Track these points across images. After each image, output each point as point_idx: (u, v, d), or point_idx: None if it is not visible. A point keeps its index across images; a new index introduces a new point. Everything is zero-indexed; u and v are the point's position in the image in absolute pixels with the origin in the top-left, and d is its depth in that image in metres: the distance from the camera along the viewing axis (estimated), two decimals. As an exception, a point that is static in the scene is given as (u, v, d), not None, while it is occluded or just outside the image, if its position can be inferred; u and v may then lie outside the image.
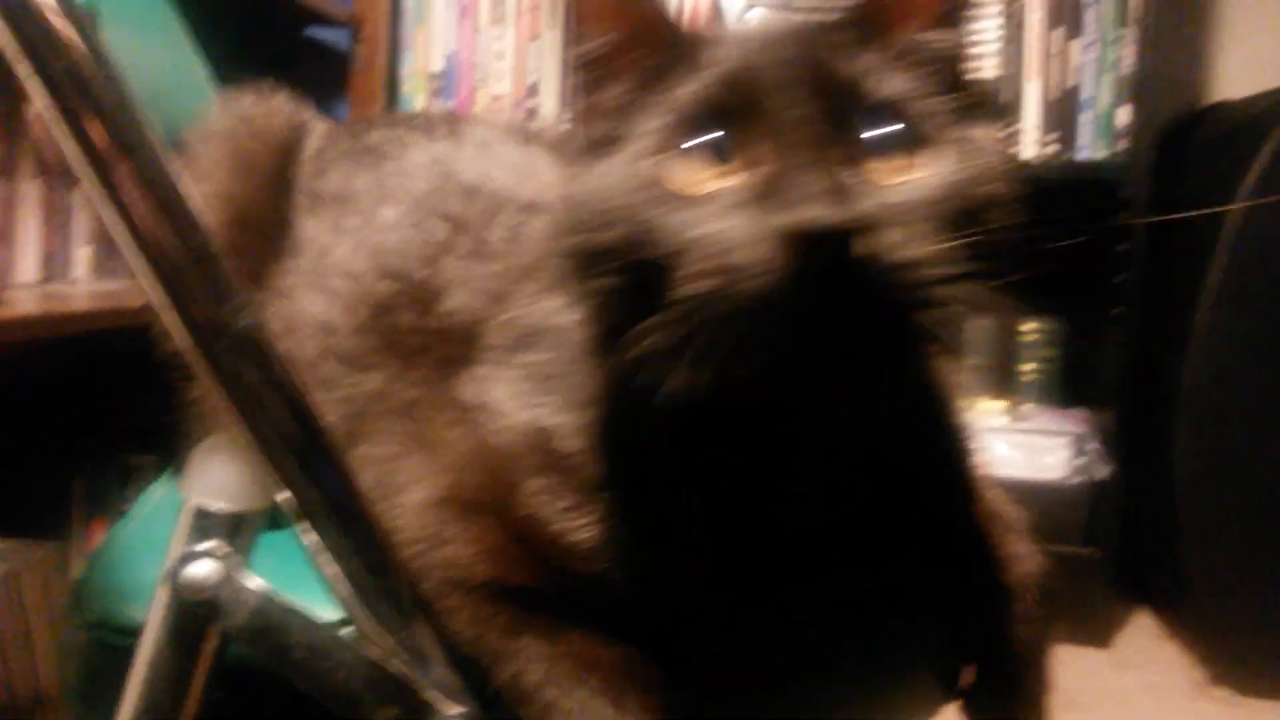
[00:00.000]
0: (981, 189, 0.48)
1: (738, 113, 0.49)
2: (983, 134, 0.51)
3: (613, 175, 0.50)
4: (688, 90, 0.50)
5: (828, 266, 0.43)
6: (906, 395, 0.55)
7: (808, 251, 0.43)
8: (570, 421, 0.57)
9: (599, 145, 0.53)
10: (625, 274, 0.48)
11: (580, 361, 0.57)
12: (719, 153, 0.48)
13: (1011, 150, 0.52)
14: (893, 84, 0.50)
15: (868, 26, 0.52)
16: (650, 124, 0.51)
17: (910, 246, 0.45)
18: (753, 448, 0.53)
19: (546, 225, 0.68)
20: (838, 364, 0.47)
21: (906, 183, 0.47)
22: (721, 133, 0.48)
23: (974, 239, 0.46)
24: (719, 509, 0.54)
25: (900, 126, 0.49)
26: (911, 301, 0.45)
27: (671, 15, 0.55)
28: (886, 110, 0.49)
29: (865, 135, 0.48)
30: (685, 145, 0.49)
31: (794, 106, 0.48)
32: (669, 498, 0.54)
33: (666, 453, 0.54)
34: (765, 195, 0.45)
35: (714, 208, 0.47)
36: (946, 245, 0.45)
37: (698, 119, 0.49)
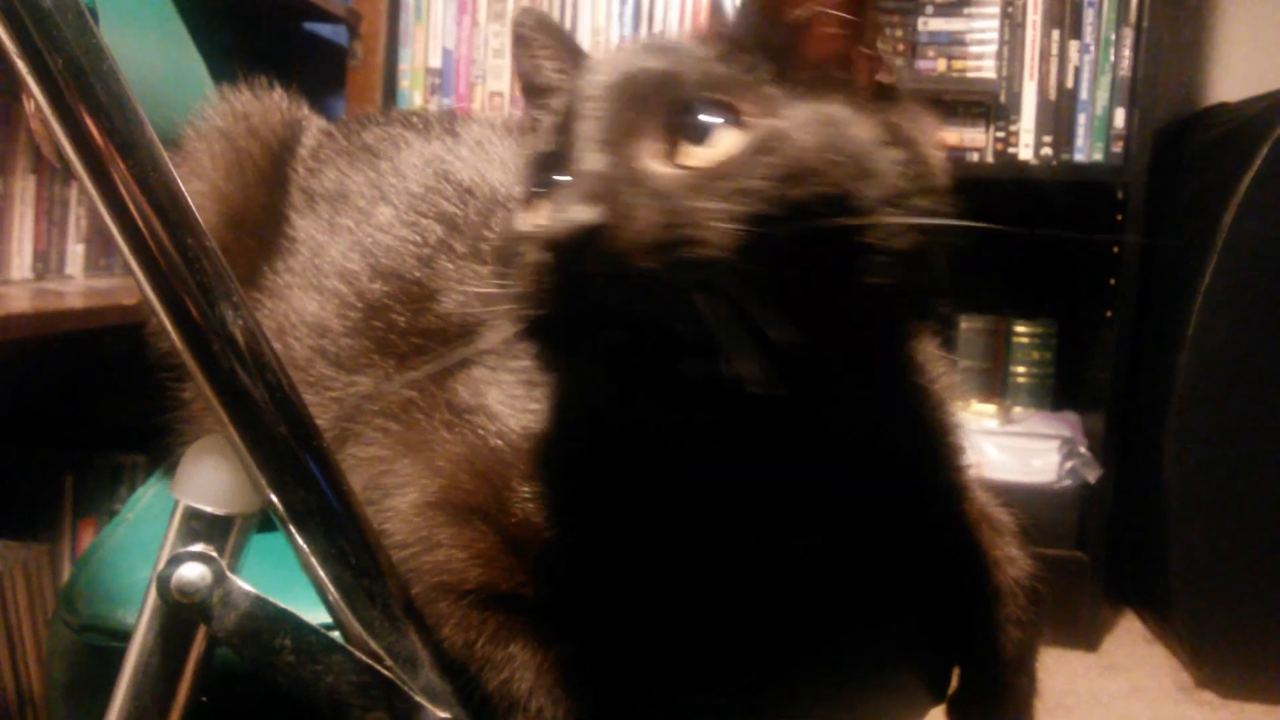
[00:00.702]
0: (818, 171, 0.47)
1: (564, 147, 0.51)
2: (844, 113, 0.50)
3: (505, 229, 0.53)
4: (538, 136, 0.54)
5: (579, 266, 0.45)
6: (870, 399, 0.55)
7: (558, 255, 0.45)
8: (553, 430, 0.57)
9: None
10: None
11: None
12: (551, 186, 0.50)
13: (915, 142, 0.51)
14: (723, 70, 0.51)
15: (750, 19, 0.53)
16: (523, 174, 0.54)
17: (664, 236, 0.45)
18: (721, 462, 0.53)
19: None
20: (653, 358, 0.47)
21: (721, 166, 0.47)
22: (553, 168, 0.51)
23: (787, 228, 0.45)
24: (702, 516, 0.54)
25: (727, 110, 0.49)
26: (680, 295, 0.44)
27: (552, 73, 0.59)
28: (713, 96, 0.50)
29: (687, 123, 0.49)
30: (533, 189, 0.52)
31: (591, 119, 0.50)
32: (650, 505, 0.54)
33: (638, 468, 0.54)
34: (551, 211, 0.47)
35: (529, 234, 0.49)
36: (722, 230, 0.45)
37: (540, 161, 0.52)
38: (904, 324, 0.56)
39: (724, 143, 0.48)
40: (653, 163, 0.48)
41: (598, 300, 0.45)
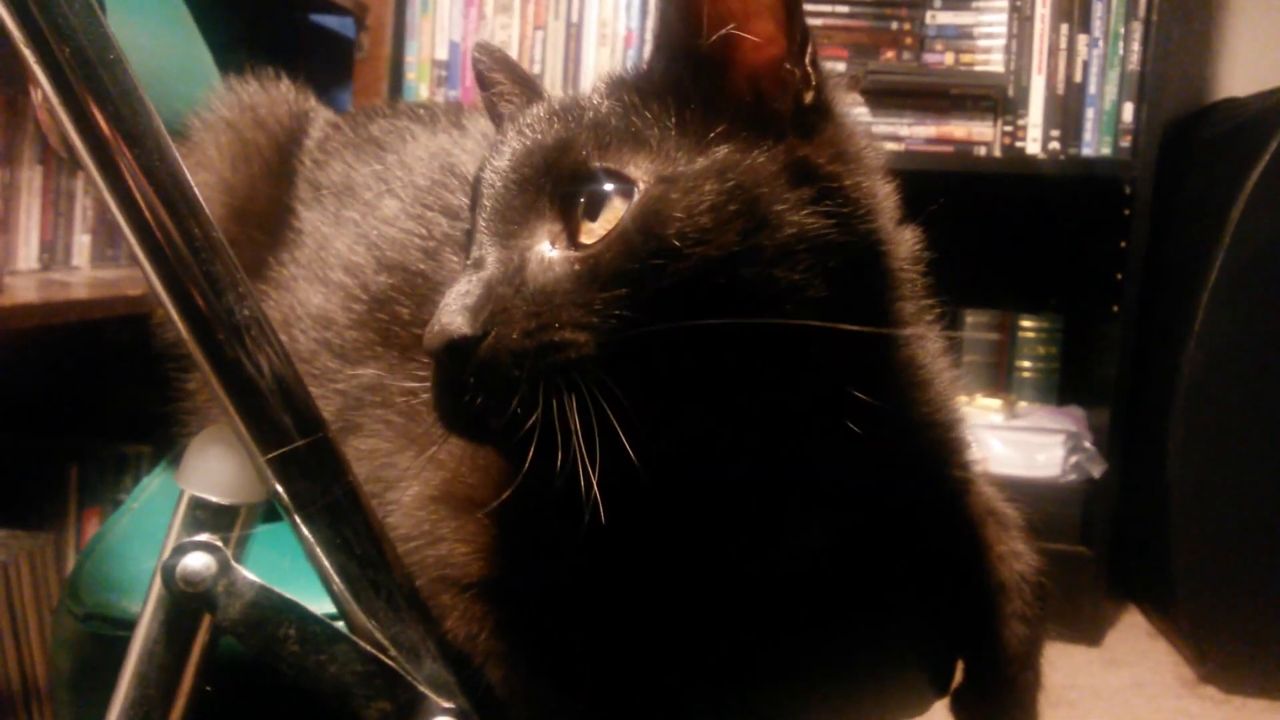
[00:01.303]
0: (678, 235, 0.46)
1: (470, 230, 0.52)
2: (701, 170, 0.48)
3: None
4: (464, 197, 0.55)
5: (464, 374, 0.46)
6: (876, 397, 0.53)
7: (437, 359, 0.48)
8: None
9: None
10: None
11: None
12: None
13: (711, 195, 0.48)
14: (607, 138, 0.49)
15: (673, 53, 0.52)
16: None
17: (544, 339, 0.46)
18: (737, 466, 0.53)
19: None
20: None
21: (592, 250, 0.47)
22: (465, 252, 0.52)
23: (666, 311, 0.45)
24: (706, 513, 0.54)
25: (603, 185, 0.48)
26: (524, 391, 0.46)
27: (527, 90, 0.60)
28: (596, 170, 0.49)
29: (573, 200, 0.49)
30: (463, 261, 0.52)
31: (478, 213, 0.51)
32: (662, 508, 0.54)
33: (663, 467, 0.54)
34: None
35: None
36: (601, 327, 0.46)
37: (465, 241, 0.53)
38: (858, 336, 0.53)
39: (612, 213, 0.48)
40: (548, 247, 0.48)
41: (474, 403, 0.46)
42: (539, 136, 0.51)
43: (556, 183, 0.49)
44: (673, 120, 0.50)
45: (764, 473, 0.53)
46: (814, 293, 0.47)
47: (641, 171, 0.48)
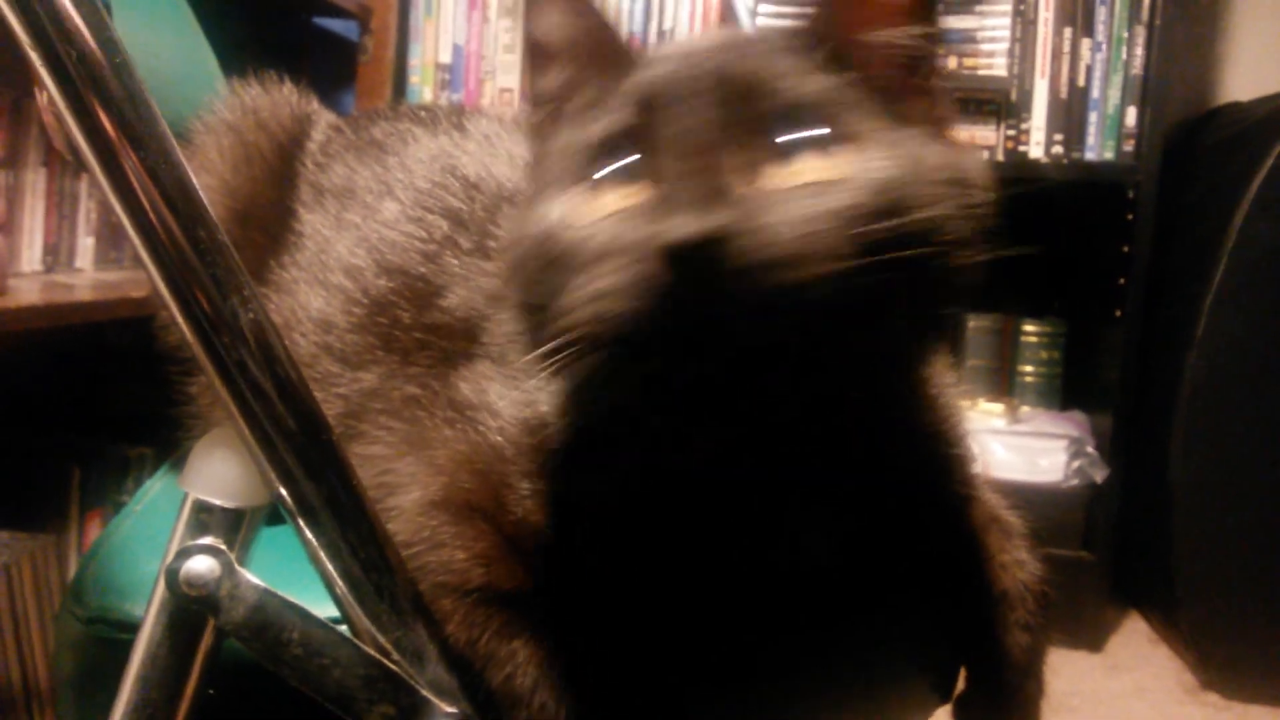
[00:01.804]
0: (911, 199, 0.45)
1: (642, 134, 0.48)
2: (924, 140, 0.49)
3: (536, 219, 0.50)
4: (601, 118, 0.50)
5: (698, 280, 0.42)
6: (882, 405, 0.54)
7: (678, 265, 0.42)
8: (562, 425, 0.57)
9: (542, 189, 0.52)
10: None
11: None
12: (627, 178, 0.48)
13: (966, 164, 0.50)
14: (812, 84, 0.49)
15: (821, 31, 0.51)
16: (571, 159, 0.50)
17: (794, 256, 0.42)
18: (730, 471, 0.52)
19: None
20: (748, 385, 0.45)
21: (817, 187, 0.45)
22: (630, 157, 0.48)
23: (894, 258, 0.43)
24: (712, 517, 0.54)
25: (817, 129, 0.47)
26: (795, 319, 0.43)
27: (621, 45, 0.54)
28: (802, 112, 0.48)
29: (778, 139, 0.47)
30: (595, 174, 0.49)
31: (687, 118, 0.47)
32: (663, 513, 0.54)
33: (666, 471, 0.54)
34: (648, 211, 0.45)
35: (603, 229, 0.46)
36: (844, 258, 0.43)
37: (608, 146, 0.49)
38: (926, 341, 0.54)
39: (812, 167, 0.46)
40: (732, 177, 0.45)
41: (706, 315, 0.42)
42: (738, 64, 0.49)
43: (759, 119, 0.47)
44: (849, 89, 0.49)
45: (774, 474, 0.53)
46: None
47: (842, 130, 0.47)
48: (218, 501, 0.51)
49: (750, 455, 0.51)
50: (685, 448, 0.50)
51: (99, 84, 0.46)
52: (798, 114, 0.48)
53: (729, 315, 0.42)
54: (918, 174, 0.47)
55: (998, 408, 2.05)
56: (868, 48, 0.51)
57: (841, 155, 0.47)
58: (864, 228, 0.44)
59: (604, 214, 0.47)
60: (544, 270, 0.48)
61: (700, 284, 0.42)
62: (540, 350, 0.47)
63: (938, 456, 0.62)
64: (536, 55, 0.56)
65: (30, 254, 1.50)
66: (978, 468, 0.66)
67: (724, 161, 0.46)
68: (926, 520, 0.62)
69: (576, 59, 0.55)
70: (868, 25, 0.51)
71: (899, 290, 0.45)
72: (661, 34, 2.11)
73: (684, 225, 0.42)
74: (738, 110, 0.47)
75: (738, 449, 0.50)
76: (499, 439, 0.58)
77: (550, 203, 0.50)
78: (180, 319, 0.49)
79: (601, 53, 0.54)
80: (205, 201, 0.49)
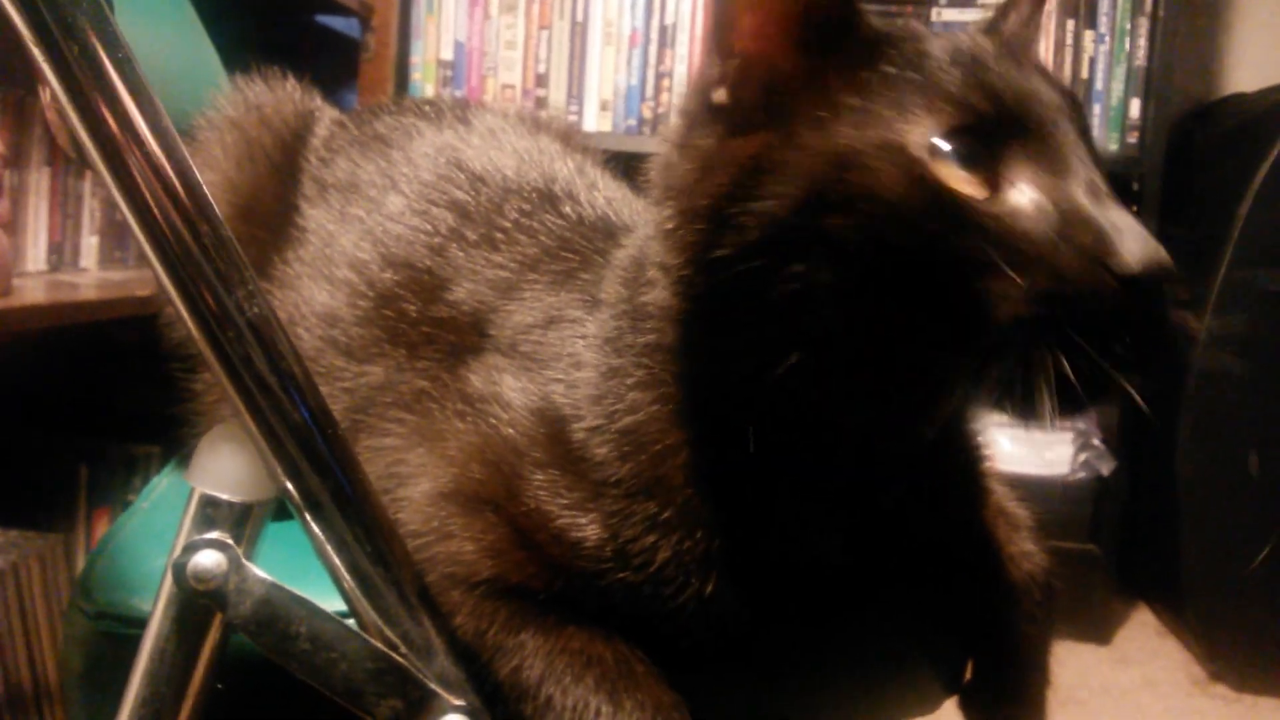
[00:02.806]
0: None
1: (1002, 128, 0.47)
2: None
3: (870, 158, 0.46)
4: (944, 90, 0.47)
5: (1153, 309, 0.44)
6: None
7: (1145, 291, 0.44)
8: (588, 414, 0.56)
9: (786, 108, 0.49)
10: (884, 274, 0.45)
11: (609, 357, 0.57)
12: (968, 161, 0.46)
13: None
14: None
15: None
16: (887, 109, 0.47)
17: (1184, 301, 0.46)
18: (793, 459, 0.53)
19: (575, 220, 0.68)
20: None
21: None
22: (978, 143, 0.47)
23: None
24: (740, 515, 0.54)
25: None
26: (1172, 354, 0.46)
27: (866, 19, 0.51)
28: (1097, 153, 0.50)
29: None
30: (943, 148, 0.46)
31: (1069, 135, 0.48)
32: (691, 504, 0.54)
33: (704, 462, 0.54)
34: (1077, 225, 0.45)
35: (1014, 225, 0.45)
36: None
37: (961, 125, 0.47)
38: None
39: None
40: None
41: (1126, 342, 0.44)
42: (1065, 86, 0.51)
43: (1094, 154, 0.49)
44: None
45: (795, 466, 0.53)
46: None
47: None
48: (224, 496, 0.51)
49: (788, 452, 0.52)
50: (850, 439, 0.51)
51: (102, 81, 0.46)
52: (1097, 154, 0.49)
53: (1139, 349, 0.45)
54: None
55: (1003, 402, 2.04)
56: None
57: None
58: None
59: (972, 193, 0.46)
60: (890, 206, 0.45)
61: (1144, 314, 0.44)
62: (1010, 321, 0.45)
63: (950, 441, 0.62)
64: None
65: (35, 253, 1.50)
66: (987, 456, 0.66)
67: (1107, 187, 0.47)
68: (937, 510, 0.62)
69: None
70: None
71: None
72: (663, 29, 2.11)
73: (1150, 255, 0.44)
74: (1086, 136, 0.49)
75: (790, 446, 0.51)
76: (510, 431, 0.58)
77: (873, 142, 0.47)
78: (185, 315, 0.49)
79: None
80: (209, 197, 0.49)
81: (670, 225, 0.51)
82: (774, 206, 0.47)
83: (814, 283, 0.46)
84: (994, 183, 0.46)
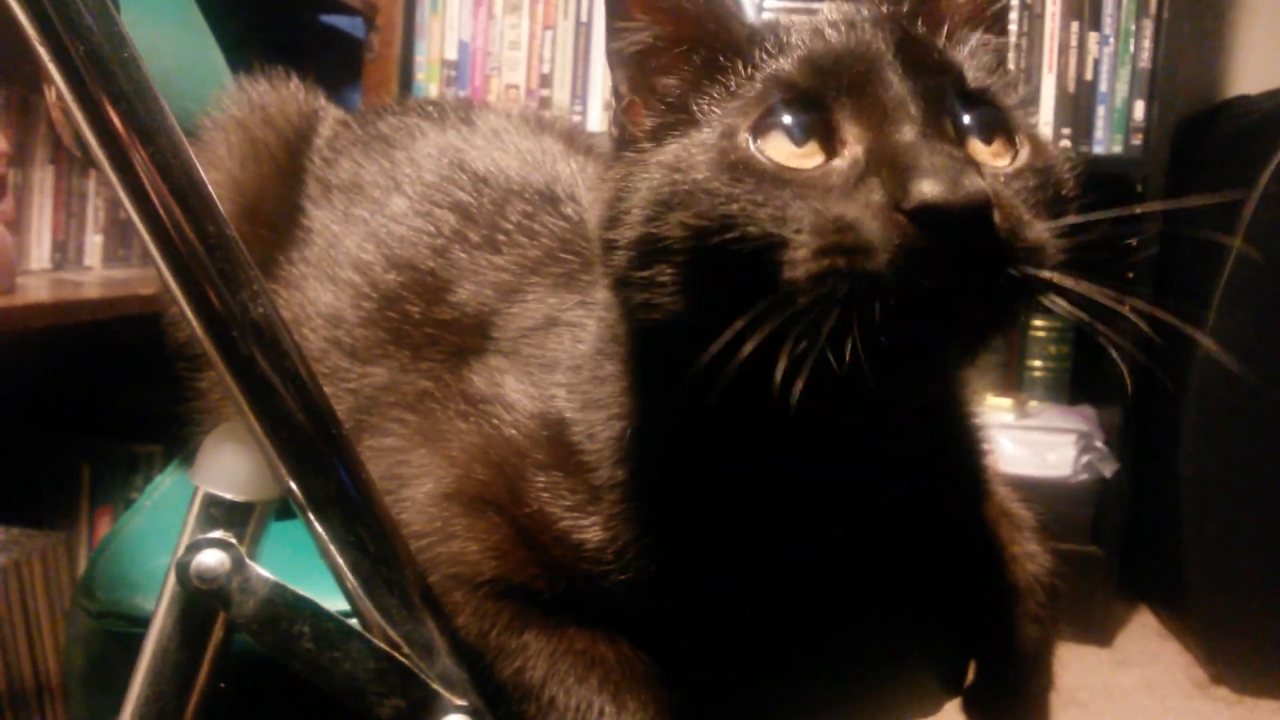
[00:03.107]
0: (1058, 181, 0.49)
1: (826, 94, 0.48)
2: (1040, 130, 0.52)
3: (694, 157, 0.48)
4: (769, 74, 0.49)
5: (963, 243, 0.41)
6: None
7: (943, 226, 0.41)
8: (586, 418, 0.57)
9: (658, 133, 0.51)
10: (706, 260, 0.46)
11: (601, 360, 0.57)
12: (801, 133, 0.47)
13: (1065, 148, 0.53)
14: (981, 73, 0.51)
15: (924, 20, 0.52)
16: (728, 108, 0.49)
17: (1032, 229, 0.44)
18: (792, 457, 0.53)
19: (577, 221, 0.68)
20: (936, 351, 0.47)
21: (1008, 167, 0.48)
22: (808, 114, 0.47)
23: (1065, 230, 0.46)
24: (739, 515, 0.54)
25: (992, 113, 0.49)
26: (1029, 288, 0.44)
27: (727, 7, 0.54)
28: (980, 97, 0.49)
29: (964, 119, 0.48)
30: (768, 124, 0.47)
31: (894, 86, 0.47)
32: (690, 505, 0.54)
33: (700, 461, 0.54)
34: (882, 171, 0.44)
35: (822, 186, 0.45)
36: (1056, 232, 0.46)
37: (783, 101, 0.48)
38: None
39: (984, 151, 0.48)
40: (956, 147, 0.46)
41: (945, 283, 0.42)
42: (920, 41, 0.50)
43: (960, 100, 0.49)
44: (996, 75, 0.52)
45: (798, 463, 0.53)
46: None
47: (1014, 117, 0.50)
48: (228, 495, 0.51)
49: (785, 447, 0.51)
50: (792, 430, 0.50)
51: (107, 79, 0.47)
52: (978, 96, 0.49)
53: (980, 274, 0.43)
54: (1058, 161, 0.50)
55: (1006, 402, 2.04)
56: (981, 42, 0.53)
57: (1015, 138, 0.49)
58: (1054, 204, 0.47)
59: (793, 166, 0.46)
60: (710, 200, 0.46)
61: (954, 250, 0.42)
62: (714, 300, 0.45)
63: (952, 442, 0.62)
64: (624, 15, 0.53)
65: (39, 252, 1.50)
66: (989, 457, 0.66)
67: (946, 130, 0.46)
68: (940, 510, 0.62)
69: (671, 18, 0.53)
70: (962, 25, 0.53)
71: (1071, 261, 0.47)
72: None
73: (958, 186, 0.41)
74: (931, 87, 0.47)
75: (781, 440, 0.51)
76: (513, 432, 0.58)
77: (713, 143, 0.48)
78: (190, 314, 0.49)
79: (704, 14, 0.53)
80: (214, 196, 0.49)
81: (597, 249, 0.54)
82: (630, 222, 0.49)
83: (656, 283, 0.48)
84: (831, 148, 0.47)
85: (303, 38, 2.18)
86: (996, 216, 0.42)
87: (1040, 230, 0.45)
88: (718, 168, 0.47)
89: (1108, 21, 1.99)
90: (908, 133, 0.45)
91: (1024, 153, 0.49)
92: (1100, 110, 1.99)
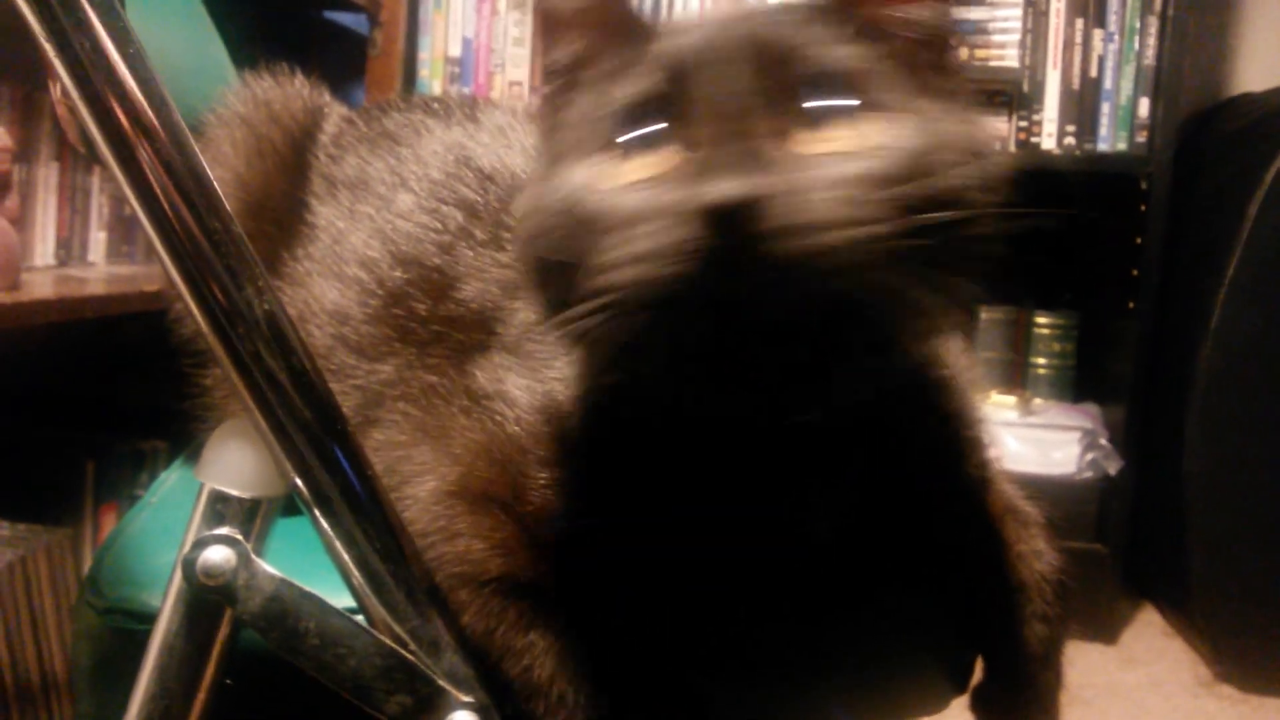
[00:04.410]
0: (936, 169, 0.45)
1: (672, 100, 0.48)
2: (945, 114, 0.49)
3: (558, 184, 0.49)
4: (626, 86, 0.50)
5: (739, 243, 0.41)
6: (897, 390, 0.54)
7: (718, 227, 0.41)
8: (582, 415, 0.57)
9: (560, 156, 0.52)
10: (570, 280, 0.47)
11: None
12: (655, 144, 0.47)
13: (984, 139, 0.50)
14: (841, 53, 0.49)
15: (846, 4, 0.51)
16: (594, 126, 0.50)
17: (834, 221, 0.42)
18: (737, 453, 0.53)
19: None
20: (774, 358, 0.45)
21: (847, 154, 0.45)
22: (657, 124, 0.48)
23: (925, 223, 0.43)
24: (728, 504, 0.54)
25: (847, 98, 0.47)
26: (835, 284, 0.42)
27: (636, 15, 0.54)
28: (832, 80, 0.48)
29: (808, 105, 0.47)
30: (621, 140, 0.48)
31: (720, 83, 0.46)
32: (672, 498, 0.54)
33: (657, 454, 0.54)
34: (684, 175, 0.44)
35: (636, 194, 0.46)
36: (880, 223, 0.43)
37: (635, 113, 0.48)
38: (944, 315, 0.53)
39: (841, 135, 0.46)
40: (765, 142, 0.45)
41: (744, 278, 0.41)
42: (765, 30, 0.49)
43: (791, 84, 0.47)
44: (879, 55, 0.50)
45: (794, 455, 0.53)
46: None
47: (868, 97, 0.48)
48: (234, 492, 0.51)
49: (771, 432, 0.51)
50: (704, 421, 0.50)
51: (112, 75, 0.46)
52: (828, 82, 0.48)
53: (767, 279, 0.42)
54: (941, 143, 0.47)
55: (1010, 400, 2.04)
56: (891, 22, 0.51)
57: (869, 124, 0.47)
58: (893, 194, 0.44)
59: (630, 180, 0.47)
60: (570, 235, 0.47)
61: (740, 246, 0.41)
62: (566, 316, 0.46)
63: (954, 439, 0.62)
64: (548, 26, 0.55)
65: (43, 248, 1.50)
66: (994, 454, 0.66)
67: (758, 126, 0.45)
68: (944, 506, 0.61)
69: (590, 29, 0.54)
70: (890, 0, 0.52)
71: (923, 258, 0.44)
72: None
73: (724, 187, 0.41)
74: (769, 76, 0.47)
75: (759, 423, 0.50)
76: (516, 429, 0.58)
77: (572, 169, 0.49)
78: (195, 310, 0.49)
79: (616, 22, 0.54)
80: (219, 192, 0.49)
81: None
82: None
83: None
84: (664, 157, 0.47)
85: (306, 34, 2.18)
86: (780, 209, 0.41)
87: (847, 226, 0.42)
88: (569, 194, 0.49)
89: (1112, 19, 1.99)
90: (720, 134, 0.45)
91: (878, 137, 0.46)
92: (1105, 107, 1.99)
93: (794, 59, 0.48)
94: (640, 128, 0.48)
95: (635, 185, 0.46)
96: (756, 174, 0.42)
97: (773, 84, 0.47)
